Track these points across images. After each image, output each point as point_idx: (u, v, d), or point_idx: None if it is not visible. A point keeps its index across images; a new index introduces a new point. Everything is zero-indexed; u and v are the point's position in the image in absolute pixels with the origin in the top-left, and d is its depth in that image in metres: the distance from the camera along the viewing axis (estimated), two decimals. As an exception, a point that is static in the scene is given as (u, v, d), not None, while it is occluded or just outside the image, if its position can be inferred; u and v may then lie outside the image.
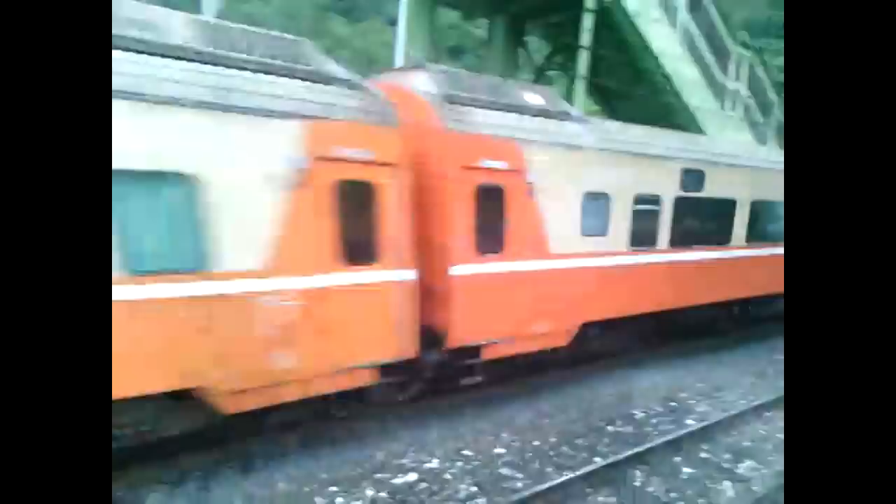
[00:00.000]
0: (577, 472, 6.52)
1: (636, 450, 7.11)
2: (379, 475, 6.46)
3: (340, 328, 6.44)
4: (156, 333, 5.29)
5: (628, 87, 17.14)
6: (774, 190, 11.83)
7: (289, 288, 6.02)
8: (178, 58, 5.33)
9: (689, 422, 8.27)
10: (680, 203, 9.97)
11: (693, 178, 10.17)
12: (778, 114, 21.52)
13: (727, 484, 6.74)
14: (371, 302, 6.65)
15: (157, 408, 6.77)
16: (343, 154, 6.18)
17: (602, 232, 8.94)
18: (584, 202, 8.56)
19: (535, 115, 8.16)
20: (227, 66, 5.61)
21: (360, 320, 6.57)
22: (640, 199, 9.32)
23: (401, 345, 6.97)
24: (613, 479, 6.64)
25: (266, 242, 5.81)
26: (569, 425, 7.99)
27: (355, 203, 6.35)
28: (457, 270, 7.38)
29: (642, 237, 9.52)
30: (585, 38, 14.86)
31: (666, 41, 17.02)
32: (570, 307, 8.75)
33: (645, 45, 16.37)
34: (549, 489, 6.17)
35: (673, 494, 6.45)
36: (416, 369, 7.46)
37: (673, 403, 8.97)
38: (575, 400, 8.87)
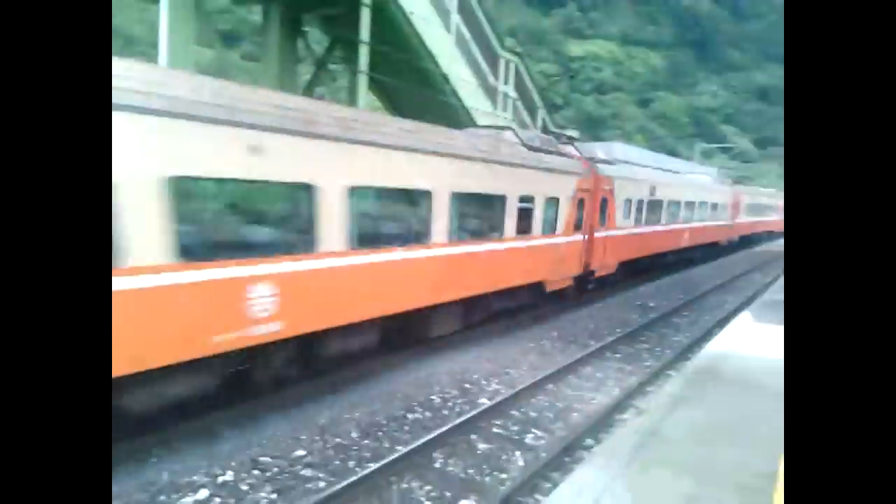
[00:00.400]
0: (380, 463, 6.49)
1: (435, 433, 7.29)
2: (163, 497, 5.79)
3: (568, 259, 14.37)
4: (538, 259, 12.97)
5: (411, 85, 17.54)
6: (677, 194, 22.59)
7: (563, 242, 13.93)
8: (540, 151, 13.21)
9: (481, 401, 8.69)
10: (647, 203, 19.36)
11: (652, 189, 19.79)
12: (543, 114, 23.64)
13: (518, 454, 7.20)
14: (575, 247, 14.72)
15: None
16: (581, 187, 14.42)
17: (628, 217, 17.94)
18: (624, 203, 17.52)
19: (613, 164, 17.32)
20: (549, 153, 13.48)
21: (571, 256, 14.56)
22: (636, 201, 18.45)
23: (579, 268, 15.18)
24: (416, 465, 6.73)
25: (562, 223, 13.75)
26: (370, 417, 7.93)
27: (579, 207, 14.55)
28: (596, 234, 15.73)
29: (636, 219, 18.67)
30: (364, 32, 14.87)
31: (441, 42, 17.72)
32: (618, 253, 17.44)
33: (423, 44, 16.87)
34: (353, 484, 6.06)
35: (471, 471, 6.72)
36: (577, 280, 15.42)
37: (467, 385, 9.36)
38: (376, 392, 8.85)
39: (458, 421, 7.68)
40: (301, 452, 6.89)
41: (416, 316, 9.78)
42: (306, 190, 7.34)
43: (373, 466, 6.40)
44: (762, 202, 40.64)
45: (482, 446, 7.35)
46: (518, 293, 12.71)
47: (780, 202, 46.10)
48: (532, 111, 23.47)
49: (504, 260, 11.76)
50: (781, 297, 14.99)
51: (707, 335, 13.02)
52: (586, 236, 15.21)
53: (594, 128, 65.12)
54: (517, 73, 22.16)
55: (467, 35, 19.21)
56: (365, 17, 14.85)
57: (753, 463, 5.51)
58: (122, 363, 5.67)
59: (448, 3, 18.13)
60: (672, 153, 53.59)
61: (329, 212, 7.62)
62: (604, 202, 15.98)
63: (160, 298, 5.92)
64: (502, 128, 13.59)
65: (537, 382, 9.34)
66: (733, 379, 8.06)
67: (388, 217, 9.38)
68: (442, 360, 10.56)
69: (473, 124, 19.25)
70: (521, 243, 12.27)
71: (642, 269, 20.36)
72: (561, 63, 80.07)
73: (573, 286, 15.28)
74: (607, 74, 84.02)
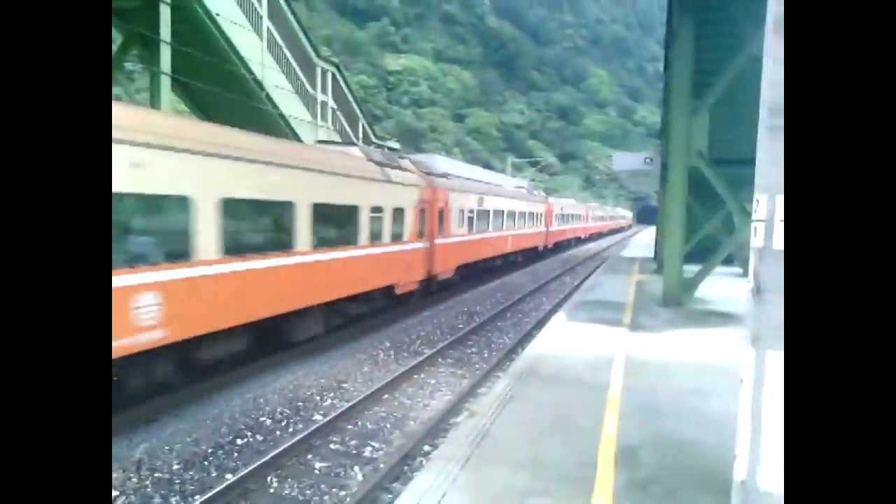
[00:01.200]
0: (207, 495, 5.99)
1: (267, 457, 6.90)
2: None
3: (541, 238, 34.06)
4: (536, 237, 32.92)
5: (220, 89, 16.56)
6: (573, 210, 46.42)
7: (544, 230, 34.74)
8: (532, 195, 34.66)
9: (316, 418, 8.38)
10: (563, 214, 41.06)
11: (563, 207, 41.32)
12: (364, 125, 23.69)
13: (356, 469, 7.05)
14: (545, 232, 35.19)
15: None
16: (546, 209, 35.57)
17: (558, 221, 38.82)
18: (556, 215, 38.07)
19: (549, 196, 41.22)
20: (531, 194, 33.49)
21: (542, 236, 34.15)
22: (560, 215, 39.96)
23: (544, 242, 35.13)
24: (248, 492, 6.29)
25: (542, 223, 34.12)
26: (194, 446, 7.27)
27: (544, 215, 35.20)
28: (550, 229, 36.35)
29: (559, 222, 39.75)
30: (164, 31, 13.81)
31: (252, 47, 17.02)
32: (553, 238, 37.82)
33: (232, 48, 16.09)
34: (178, 523, 5.54)
35: (308, 492, 6.43)
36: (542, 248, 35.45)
37: (300, 403, 8.96)
38: (199, 419, 8.13)
39: (292, 441, 7.34)
40: (112, 493, 6.15)
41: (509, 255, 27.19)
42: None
43: (199, 499, 5.90)
44: (600, 213, 63.31)
45: (319, 465, 7.08)
46: (529, 251, 31.22)
47: (607, 212, 70.93)
48: (352, 121, 23.44)
49: (525, 236, 29.23)
50: (588, 297, 16.42)
51: (528, 336, 13.84)
52: (547, 229, 34.79)
53: (414, 140, 66.73)
54: (335, 82, 22.01)
55: (280, 42, 18.68)
56: (165, 14, 13.79)
57: (577, 453, 5.90)
58: (477, 257, 21.78)
59: (259, 7, 17.50)
60: (487, 166, 56.68)
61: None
62: (550, 214, 35.49)
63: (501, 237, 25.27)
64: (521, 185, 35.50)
65: (373, 394, 9.22)
66: (553, 376, 8.57)
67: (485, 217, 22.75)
68: (272, 378, 10.03)
69: (292, 133, 18.77)
70: (531, 230, 30.88)
71: (557, 247, 40.48)
72: (378, 76, 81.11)
73: (540, 250, 33.66)
74: (424, 89, 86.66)
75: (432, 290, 17.75)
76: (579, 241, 51.46)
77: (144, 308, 7.22)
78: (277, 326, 10.41)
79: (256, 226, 9.65)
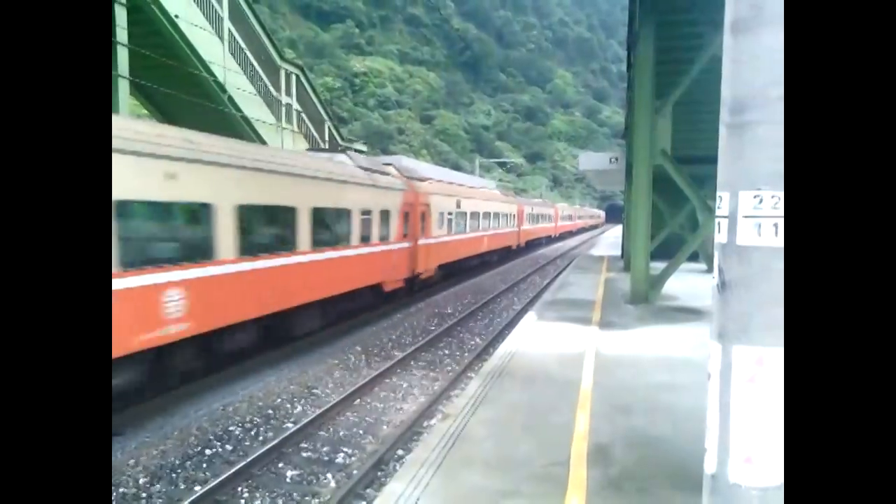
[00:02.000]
0: (176, 510, 5.88)
1: (237, 467, 6.77)
2: None
3: (550, 230, 51.86)
4: (549, 227, 51.77)
5: (181, 92, 16.24)
6: (571, 213, 69.46)
7: (558, 225, 57.27)
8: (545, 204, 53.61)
9: (287, 425, 8.26)
10: (568, 214, 63.89)
11: (563, 208, 61.66)
12: (330, 127, 23.49)
13: (329, 476, 6.97)
14: (554, 226, 54.98)
15: None
16: (555, 212, 57.04)
17: (561, 218, 58.52)
18: (560, 216, 57.35)
19: (559, 204, 63.51)
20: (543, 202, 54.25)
21: (549, 229, 51.70)
22: (566, 214, 62.84)
23: (552, 233, 53.91)
24: (218, 504, 6.20)
25: (556, 220, 56.39)
26: (161, 459, 7.10)
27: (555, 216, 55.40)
28: (557, 224, 56.92)
29: (567, 219, 64.74)
30: (121, 33, 13.51)
31: (214, 50, 16.74)
32: (558, 230, 56.62)
33: (192, 50, 15.81)
34: (146, 538, 5.40)
35: (280, 501, 6.34)
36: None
37: (270, 411, 8.82)
38: (166, 430, 7.94)
39: (262, 450, 7.22)
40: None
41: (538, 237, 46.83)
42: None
43: (167, 514, 5.77)
44: (582, 213, 79.31)
45: (291, 473, 6.98)
46: (547, 237, 50.58)
47: (587, 212, 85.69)
48: (318, 124, 23.22)
49: (545, 228, 48.66)
50: (558, 296, 16.54)
51: (500, 336, 13.85)
52: (555, 224, 53.42)
53: (381, 142, 66.50)
54: (300, 85, 21.79)
55: (243, 44, 18.44)
56: (121, 16, 13.48)
57: (550, 452, 5.91)
58: (535, 237, 45.36)
59: (219, 9, 17.23)
60: (456, 167, 56.81)
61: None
62: (556, 215, 52.54)
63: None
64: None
65: (344, 399, 9.14)
66: (525, 375, 8.59)
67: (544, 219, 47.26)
68: (240, 386, 9.87)
69: (256, 135, 18.54)
70: (549, 224, 50.12)
71: (561, 236, 58.37)
72: (344, 78, 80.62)
73: (552, 237, 52.38)
74: (390, 91, 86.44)
75: (519, 253, 36.93)
76: (571, 234, 67.90)
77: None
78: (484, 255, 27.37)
79: (482, 219, 26.32)
